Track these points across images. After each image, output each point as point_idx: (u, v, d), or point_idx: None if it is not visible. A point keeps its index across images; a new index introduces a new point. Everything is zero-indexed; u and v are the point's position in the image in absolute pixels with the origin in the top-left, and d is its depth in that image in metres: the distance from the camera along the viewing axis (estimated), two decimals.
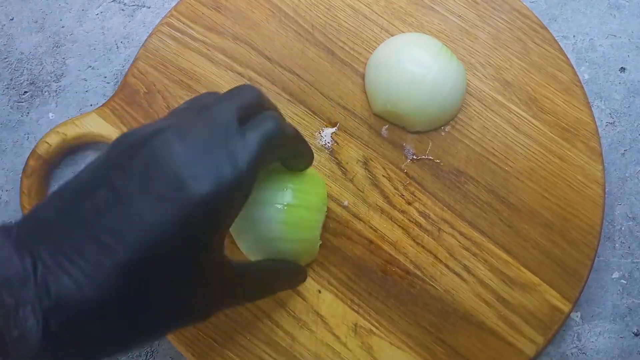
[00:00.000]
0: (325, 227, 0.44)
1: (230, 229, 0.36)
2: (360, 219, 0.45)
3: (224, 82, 0.47)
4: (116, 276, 0.25)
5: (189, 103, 0.33)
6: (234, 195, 0.28)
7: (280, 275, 0.39)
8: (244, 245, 0.39)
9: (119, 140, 0.29)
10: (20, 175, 0.45)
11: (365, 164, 0.45)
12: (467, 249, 0.44)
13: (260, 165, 0.30)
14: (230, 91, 0.33)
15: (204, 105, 0.31)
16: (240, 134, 0.30)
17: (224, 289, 0.32)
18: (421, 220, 0.45)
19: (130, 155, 0.28)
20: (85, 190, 0.27)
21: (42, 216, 0.27)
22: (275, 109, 0.35)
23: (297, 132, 0.36)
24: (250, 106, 0.32)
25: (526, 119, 0.46)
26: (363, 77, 0.47)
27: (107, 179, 0.27)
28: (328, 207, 0.44)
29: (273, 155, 0.34)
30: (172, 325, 0.30)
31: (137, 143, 0.28)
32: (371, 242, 0.44)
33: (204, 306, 0.31)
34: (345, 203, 0.45)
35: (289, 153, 0.36)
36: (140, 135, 0.28)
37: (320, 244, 0.43)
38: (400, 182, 0.45)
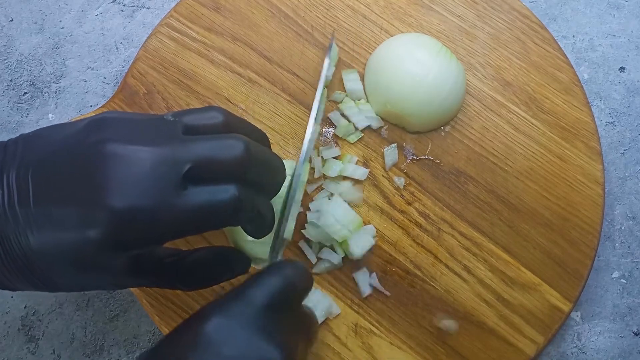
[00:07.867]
0: None
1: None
2: None
3: (223, 82, 0.47)
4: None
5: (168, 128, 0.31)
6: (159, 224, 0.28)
7: (220, 266, 0.36)
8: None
9: (95, 122, 0.30)
10: None
11: (365, 164, 0.45)
12: (467, 249, 0.44)
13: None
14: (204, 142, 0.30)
15: (169, 138, 0.30)
16: (182, 187, 0.29)
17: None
18: (421, 220, 0.45)
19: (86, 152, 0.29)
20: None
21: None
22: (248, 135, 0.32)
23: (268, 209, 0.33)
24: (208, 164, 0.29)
25: (526, 119, 0.46)
26: (363, 77, 0.47)
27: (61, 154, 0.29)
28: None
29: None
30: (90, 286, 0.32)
31: (92, 147, 0.29)
32: None
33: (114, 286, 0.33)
34: None
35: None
36: (106, 139, 0.29)
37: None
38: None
